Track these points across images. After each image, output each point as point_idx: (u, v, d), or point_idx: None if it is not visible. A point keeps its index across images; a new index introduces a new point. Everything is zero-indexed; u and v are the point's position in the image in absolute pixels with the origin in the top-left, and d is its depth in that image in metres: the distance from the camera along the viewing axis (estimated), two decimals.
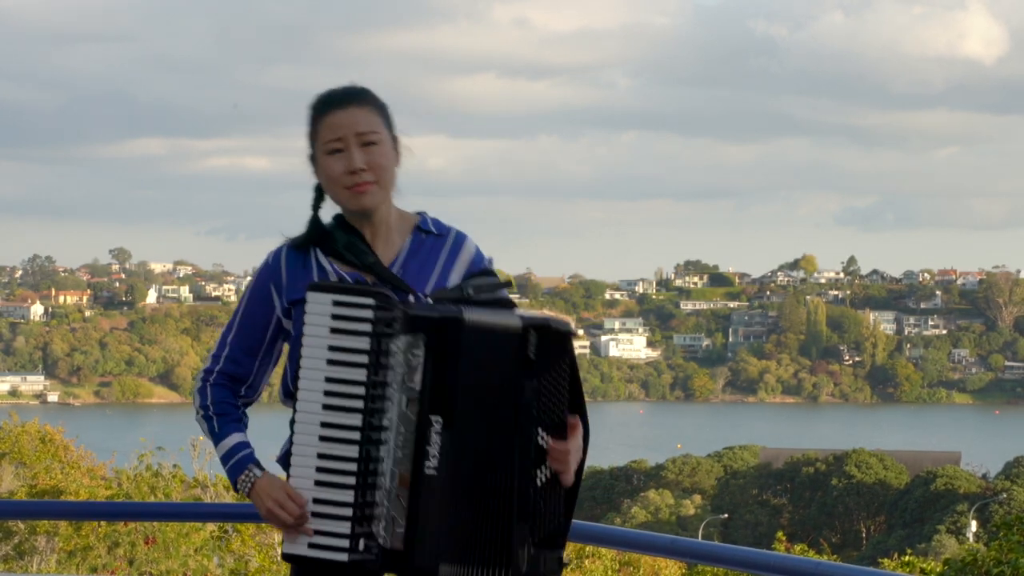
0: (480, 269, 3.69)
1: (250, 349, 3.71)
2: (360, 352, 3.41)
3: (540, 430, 3.48)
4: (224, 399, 3.70)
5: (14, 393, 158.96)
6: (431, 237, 3.70)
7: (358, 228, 3.66)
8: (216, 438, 3.67)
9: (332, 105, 3.62)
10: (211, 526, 19.35)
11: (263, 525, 18.58)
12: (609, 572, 24.63)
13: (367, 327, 3.41)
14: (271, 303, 3.68)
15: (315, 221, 3.69)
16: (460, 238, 3.72)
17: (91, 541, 20.63)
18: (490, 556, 3.43)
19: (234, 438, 3.65)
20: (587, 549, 23.89)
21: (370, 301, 3.42)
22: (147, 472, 22.56)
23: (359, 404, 3.41)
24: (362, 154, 3.59)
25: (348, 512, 3.42)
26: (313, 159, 3.67)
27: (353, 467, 3.42)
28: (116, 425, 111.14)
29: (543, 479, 3.50)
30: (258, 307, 3.70)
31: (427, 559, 3.41)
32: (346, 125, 3.59)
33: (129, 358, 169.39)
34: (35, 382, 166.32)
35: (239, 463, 3.62)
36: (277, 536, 18.82)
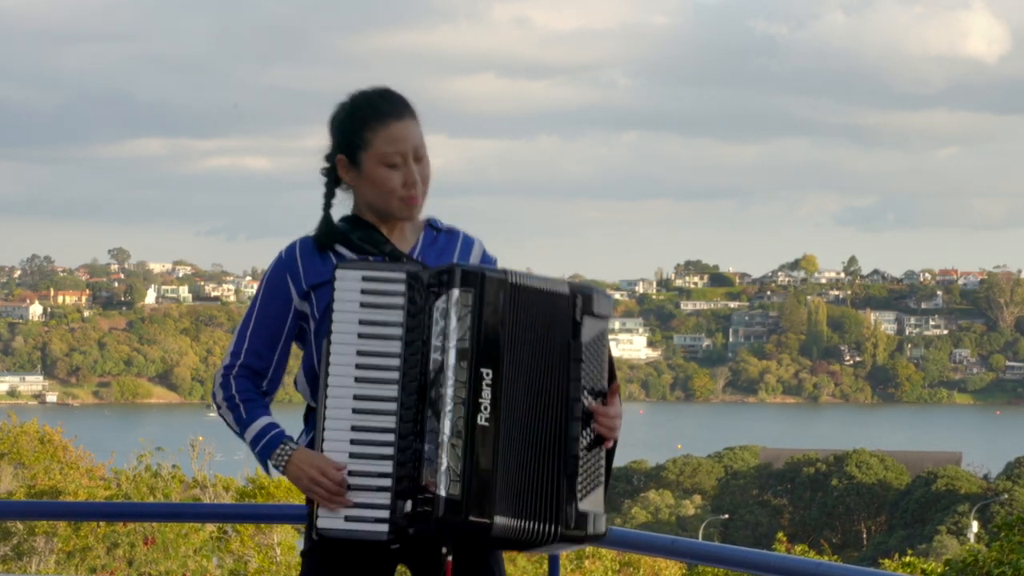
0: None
1: (269, 341, 3.71)
2: (394, 325, 3.46)
3: (586, 392, 3.55)
4: (248, 388, 3.69)
5: (13, 393, 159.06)
6: (443, 234, 3.79)
7: (375, 224, 3.73)
8: (244, 423, 3.66)
9: (392, 115, 3.67)
10: (210, 527, 19.34)
11: (262, 526, 18.56)
12: (609, 572, 24.64)
13: (400, 300, 3.47)
14: (288, 294, 3.69)
15: (328, 220, 3.73)
16: (470, 239, 3.82)
17: (90, 542, 20.64)
18: (539, 510, 3.47)
19: (264, 420, 3.65)
20: (587, 549, 23.87)
21: (401, 274, 3.48)
22: (146, 472, 22.59)
23: (394, 376, 3.46)
24: (417, 168, 3.68)
25: (387, 483, 3.44)
26: (353, 160, 3.70)
27: (391, 438, 3.45)
28: (115, 425, 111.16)
29: (587, 440, 3.55)
30: (275, 299, 3.70)
31: (483, 510, 3.43)
32: (407, 140, 3.67)
33: (128, 358, 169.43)
34: (34, 382, 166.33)
35: (272, 440, 3.62)
36: (276, 536, 18.81)
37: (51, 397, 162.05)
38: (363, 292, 3.47)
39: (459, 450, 3.39)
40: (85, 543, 20.66)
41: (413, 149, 3.66)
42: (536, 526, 3.47)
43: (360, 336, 3.46)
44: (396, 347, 3.45)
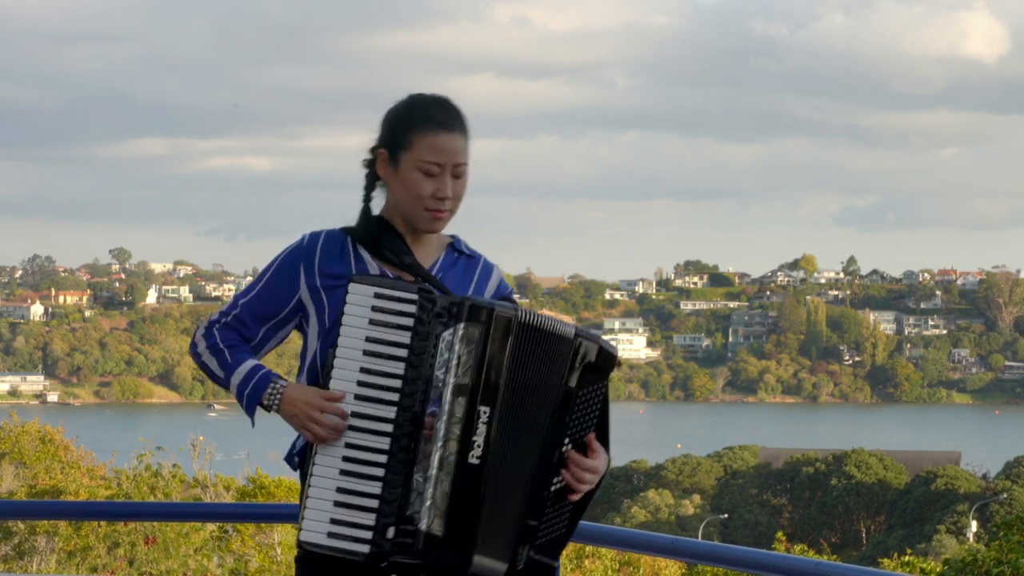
0: (505, 296, 3.74)
1: (260, 317, 3.67)
2: (400, 346, 3.43)
3: (567, 440, 3.54)
4: (234, 338, 3.66)
5: (14, 393, 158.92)
6: (463, 257, 3.76)
7: (400, 232, 3.68)
8: (230, 368, 3.61)
9: (441, 125, 3.63)
10: (211, 526, 19.35)
11: (263, 525, 18.58)
12: (609, 572, 24.63)
13: (409, 321, 3.43)
14: (296, 282, 3.64)
15: (367, 213, 3.69)
16: (489, 265, 3.79)
17: (91, 541, 20.66)
18: (494, 547, 3.47)
19: (250, 363, 3.61)
20: (587, 549, 23.89)
21: (414, 296, 3.45)
22: (147, 472, 22.59)
23: (394, 397, 3.43)
24: (452, 184, 3.63)
25: (374, 504, 3.41)
26: (393, 157, 3.65)
27: (383, 459, 3.42)
28: (116, 425, 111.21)
29: (556, 486, 3.55)
30: (281, 283, 3.66)
31: (463, 548, 3.43)
32: (449, 152, 3.62)
33: (129, 358, 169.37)
34: (35, 382, 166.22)
35: (261, 380, 3.57)
36: (277, 536, 18.83)
37: (52, 397, 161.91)
38: (373, 309, 3.43)
39: (447, 486, 3.38)
40: (86, 542, 20.69)
41: (453, 164, 3.61)
42: (500, 566, 3.48)
43: (365, 353, 3.43)
44: (399, 368, 3.42)
